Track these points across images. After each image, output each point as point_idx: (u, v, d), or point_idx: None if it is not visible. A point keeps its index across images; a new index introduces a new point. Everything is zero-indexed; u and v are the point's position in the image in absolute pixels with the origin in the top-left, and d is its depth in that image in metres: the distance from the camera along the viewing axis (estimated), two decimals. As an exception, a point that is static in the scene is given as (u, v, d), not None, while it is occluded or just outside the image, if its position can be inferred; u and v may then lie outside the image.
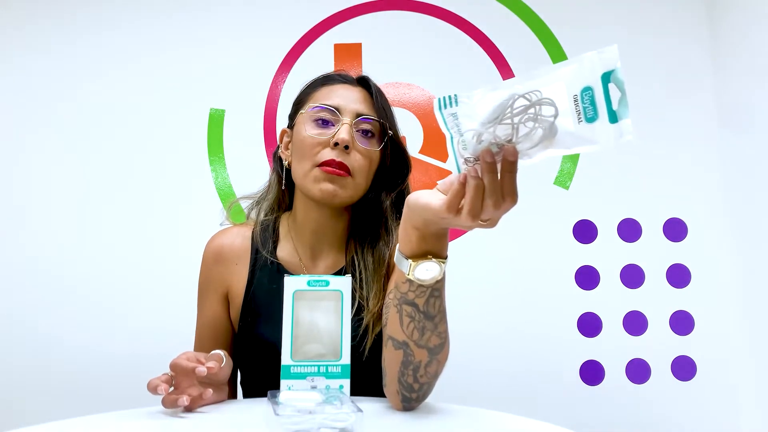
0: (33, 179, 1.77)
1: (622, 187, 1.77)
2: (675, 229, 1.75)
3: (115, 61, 1.81)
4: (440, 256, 0.74)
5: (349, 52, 1.82)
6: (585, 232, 1.76)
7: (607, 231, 1.76)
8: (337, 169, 0.93)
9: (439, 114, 0.61)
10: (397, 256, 0.76)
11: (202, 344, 1.04)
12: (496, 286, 1.72)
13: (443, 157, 1.76)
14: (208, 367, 0.77)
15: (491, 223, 0.66)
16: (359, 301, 0.97)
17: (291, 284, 0.82)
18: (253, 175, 1.80)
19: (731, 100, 1.73)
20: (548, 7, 1.83)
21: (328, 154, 0.94)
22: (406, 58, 1.82)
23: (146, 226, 1.74)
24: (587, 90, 0.57)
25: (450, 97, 0.61)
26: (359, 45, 1.82)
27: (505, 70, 1.81)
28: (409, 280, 0.74)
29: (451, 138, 0.62)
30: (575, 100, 0.58)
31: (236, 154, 1.79)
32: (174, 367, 0.78)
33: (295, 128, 1.00)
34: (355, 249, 1.01)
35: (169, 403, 0.76)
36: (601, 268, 1.75)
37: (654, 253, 1.75)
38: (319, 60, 1.81)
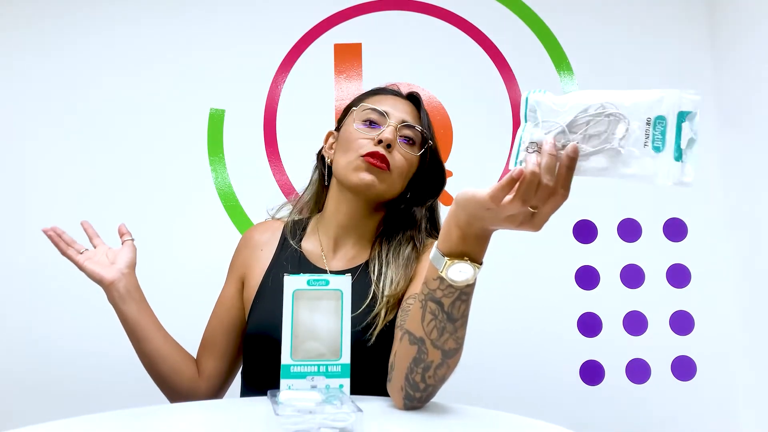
0: (32, 179, 1.77)
1: (622, 187, 1.76)
2: (675, 229, 1.75)
3: (114, 62, 1.81)
4: (476, 260, 0.75)
5: (349, 52, 1.82)
6: (585, 232, 1.76)
7: (607, 231, 1.76)
8: (379, 162, 0.99)
9: (525, 98, 0.65)
10: (433, 253, 0.77)
11: (215, 316, 1.12)
12: (495, 285, 1.72)
13: (443, 158, 1.76)
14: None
15: (536, 222, 0.68)
16: (374, 292, 0.99)
17: (291, 283, 0.82)
18: (253, 175, 1.82)
19: (731, 100, 1.73)
20: (548, 7, 1.83)
21: (371, 148, 1.00)
22: (406, 58, 1.82)
23: (146, 227, 1.73)
24: (661, 119, 0.59)
25: (542, 89, 0.65)
26: (359, 45, 1.82)
27: (505, 70, 1.81)
28: (440, 278, 0.75)
29: (525, 123, 0.65)
30: (648, 123, 0.59)
31: (236, 154, 1.79)
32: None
33: (343, 128, 1.09)
34: (380, 247, 1.05)
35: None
36: (601, 268, 1.75)
37: (654, 253, 1.74)
38: (319, 60, 1.81)
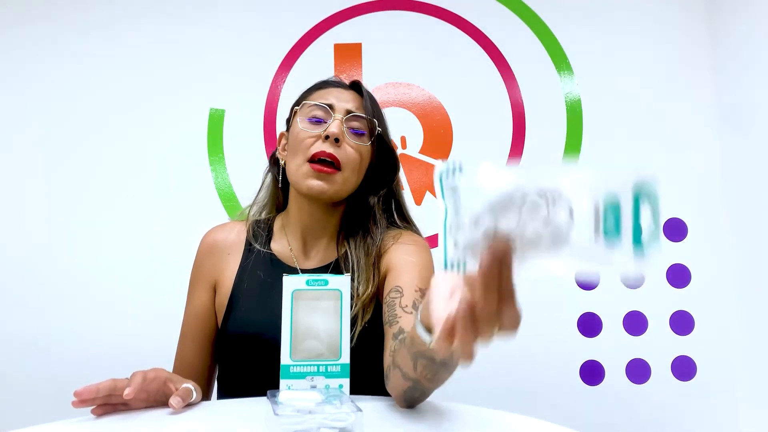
0: (31, 179, 1.77)
1: (622, 187, 1.76)
2: (675, 229, 1.75)
3: (114, 61, 1.81)
4: None
5: (349, 52, 1.82)
6: (585, 232, 1.76)
7: (607, 231, 1.76)
8: (325, 166, 0.98)
9: (438, 183, 0.51)
10: (417, 325, 0.67)
11: (186, 336, 1.07)
12: (496, 286, 1.72)
13: (443, 157, 1.76)
14: (171, 405, 0.77)
15: (509, 328, 0.55)
16: (351, 292, 0.98)
17: (290, 284, 0.82)
18: (253, 175, 1.80)
19: (731, 100, 1.73)
20: (548, 7, 1.83)
21: (319, 147, 0.99)
22: (406, 58, 1.82)
23: (146, 227, 1.74)
24: (614, 204, 0.46)
25: (454, 166, 0.50)
26: (359, 45, 1.82)
27: (505, 70, 1.81)
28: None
29: (446, 213, 0.51)
30: (596, 210, 0.46)
31: (236, 154, 1.79)
32: (148, 381, 0.79)
33: (291, 128, 1.07)
34: (347, 243, 1.05)
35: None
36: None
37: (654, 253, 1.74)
38: (319, 60, 1.81)
